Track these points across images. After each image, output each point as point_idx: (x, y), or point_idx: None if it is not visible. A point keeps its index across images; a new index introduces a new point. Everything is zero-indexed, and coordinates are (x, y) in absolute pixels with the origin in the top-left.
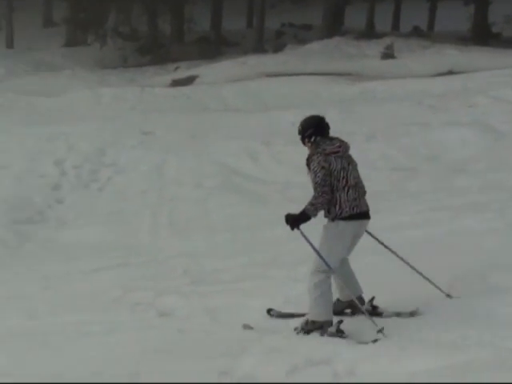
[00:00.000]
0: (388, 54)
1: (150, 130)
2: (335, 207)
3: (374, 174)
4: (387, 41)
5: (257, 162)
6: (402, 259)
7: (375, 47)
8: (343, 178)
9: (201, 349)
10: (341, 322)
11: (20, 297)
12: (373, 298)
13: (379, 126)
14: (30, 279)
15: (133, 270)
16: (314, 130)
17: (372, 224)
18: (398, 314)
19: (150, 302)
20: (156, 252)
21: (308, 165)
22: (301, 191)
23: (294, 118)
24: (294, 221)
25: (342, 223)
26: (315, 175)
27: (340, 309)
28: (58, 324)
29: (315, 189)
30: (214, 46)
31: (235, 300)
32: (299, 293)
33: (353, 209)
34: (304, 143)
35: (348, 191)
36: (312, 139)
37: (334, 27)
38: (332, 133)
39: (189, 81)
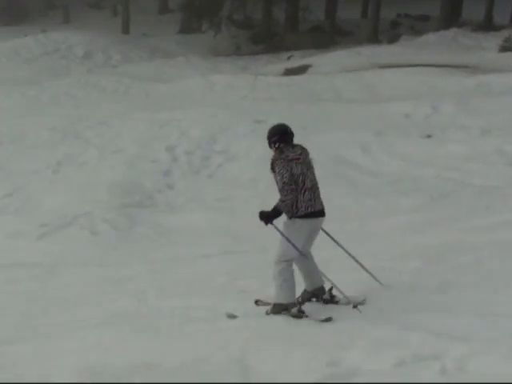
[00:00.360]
0: (506, 47)
1: (261, 118)
2: (292, 207)
3: (486, 168)
4: (505, 33)
5: (368, 154)
6: (350, 255)
7: (493, 40)
8: (302, 181)
9: (309, 338)
10: (302, 304)
11: (129, 279)
12: (331, 288)
13: (495, 120)
14: (139, 262)
15: (240, 257)
16: (279, 137)
17: (485, 219)
18: (348, 303)
19: (256, 289)
20: (263, 240)
21: (272, 168)
22: (412, 184)
23: (408, 110)
24: (268, 217)
25: (298, 221)
26: (282, 176)
27: (307, 298)
28: (165, 308)
29: (283, 188)
30: (328, 36)
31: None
32: (410, 283)
33: (307, 208)
34: (270, 147)
35: (304, 193)
36: (276, 145)
37: (451, 18)
38: (446, 126)
39: (302, 70)
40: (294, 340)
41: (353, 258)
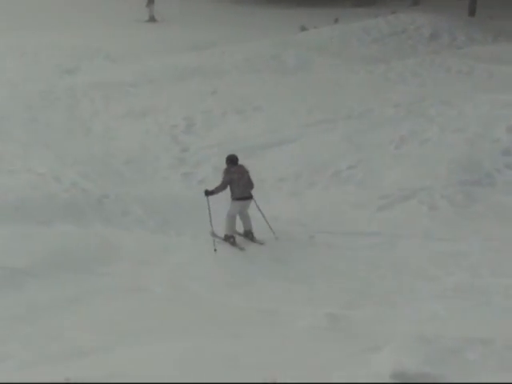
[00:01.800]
0: None
1: None
2: (232, 194)
3: None
4: None
5: None
6: (263, 216)
7: None
8: (237, 181)
9: None
10: (234, 237)
11: (465, 254)
12: (253, 234)
13: None
14: (476, 239)
15: None
16: (230, 161)
17: None
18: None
19: None
20: None
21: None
22: None
23: None
24: (207, 194)
25: (234, 201)
26: (223, 178)
27: (242, 235)
28: (499, 285)
29: (221, 183)
30: None
31: None
32: None
33: (239, 195)
34: (226, 163)
35: (238, 187)
36: (228, 165)
37: None
38: None
39: None
40: None
41: (264, 218)
